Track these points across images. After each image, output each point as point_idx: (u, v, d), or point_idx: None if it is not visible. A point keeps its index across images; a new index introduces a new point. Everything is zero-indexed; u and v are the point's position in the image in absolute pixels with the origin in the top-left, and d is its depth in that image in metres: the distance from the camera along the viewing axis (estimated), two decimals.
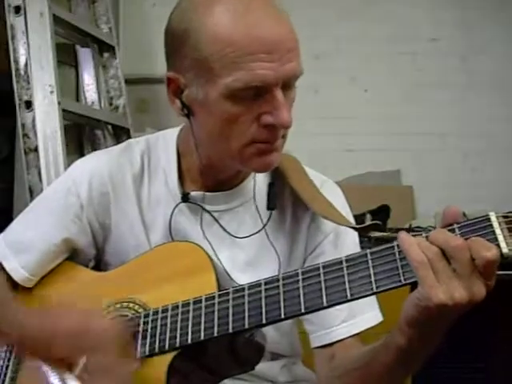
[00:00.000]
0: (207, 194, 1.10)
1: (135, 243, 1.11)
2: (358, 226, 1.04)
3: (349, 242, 1.13)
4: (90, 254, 1.15)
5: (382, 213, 2.57)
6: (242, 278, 1.05)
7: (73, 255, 1.15)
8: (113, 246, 1.13)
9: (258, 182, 1.13)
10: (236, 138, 0.98)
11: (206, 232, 1.10)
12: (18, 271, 1.11)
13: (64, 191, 1.13)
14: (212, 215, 1.11)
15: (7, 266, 1.11)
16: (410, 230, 2.63)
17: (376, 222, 0.99)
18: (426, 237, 0.82)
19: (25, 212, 1.18)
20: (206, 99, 0.97)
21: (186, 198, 1.10)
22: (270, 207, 1.12)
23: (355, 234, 1.15)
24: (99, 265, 1.17)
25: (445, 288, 0.78)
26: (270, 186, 1.13)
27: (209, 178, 1.10)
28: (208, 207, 1.11)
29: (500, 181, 2.97)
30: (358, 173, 2.98)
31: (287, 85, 0.97)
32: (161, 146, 1.15)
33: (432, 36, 3.05)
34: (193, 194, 1.10)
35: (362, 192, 2.68)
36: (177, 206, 1.10)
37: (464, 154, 3.02)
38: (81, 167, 1.16)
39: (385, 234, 0.99)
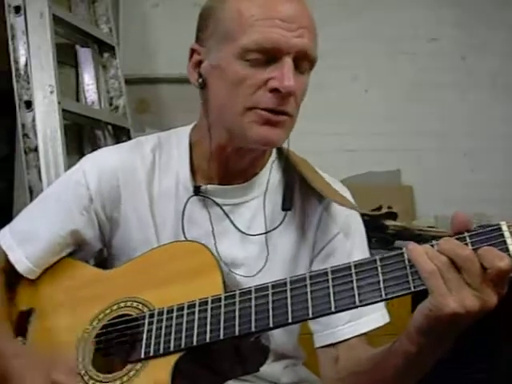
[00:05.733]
0: (219, 186, 1.11)
1: (143, 238, 1.11)
2: (372, 213, 1.04)
3: (358, 242, 1.15)
4: (95, 247, 1.16)
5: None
6: (251, 277, 1.06)
7: (78, 248, 1.15)
8: (120, 240, 1.13)
9: (271, 177, 1.14)
10: (240, 101, 1.01)
11: (216, 227, 1.11)
12: (22, 262, 1.10)
13: (74, 183, 1.13)
14: (223, 209, 1.11)
15: (12, 257, 1.11)
16: (410, 230, 2.63)
17: (391, 211, 1.00)
18: (432, 245, 0.81)
19: (33, 203, 1.18)
20: (220, 63, 1.02)
21: (197, 190, 1.10)
22: (284, 208, 1.12)
23: (364, 237, 1.16)
24: (106, 259, 1.17)
25: (456, 297, 0.78)
26: (286, 186, 1.13)
27: (220, 168, 1.11)
28: (219, 201, 1.11)
29: (500, 181, 2.97)
30: (357, 173, 2.98)
31: (299, 64, 1.01)
32: (173, 142, 1.16)
33: (432, 36, 3.05)
34: (204, 187, 1.11)
35: (361, 192, 2.67)
36: (189, 199, 1.10)
37: (464, 154, 3.02)
38: (91, 160, 1.16)
39: (401, 224, 1.00)
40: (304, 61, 1.02)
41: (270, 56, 0.99)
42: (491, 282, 0.77)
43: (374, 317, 1.09)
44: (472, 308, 0.77)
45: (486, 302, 0.78)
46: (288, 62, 0.99)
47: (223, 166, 1.10)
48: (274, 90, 0.99)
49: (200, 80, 1.06)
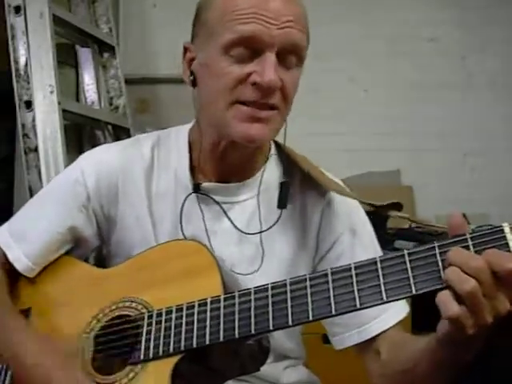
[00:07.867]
0: (217, 184, 1.11)
1: (141, 236, 1.10)
2: (376, 204, 1.03)
3: (366, 240, 1.14)
4: (93, 244, 1.15)
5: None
6: (248, 275, 1.06)
7: (76, 245, 1.14)
8: (119, 238, 1.13)
9: (269, 176, 1.14)
10: (223, 96, 1.01)
11: (215, 224, 1.11)
12: (21, 260, 1.10)
13: (72, 181, 1.13)
14: (221, 207, 1.11)
15: (10, 256, 1.11)
16: (409, 230, 2.63)
17: (395, 202, 0.98)
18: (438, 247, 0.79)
19: (31, 201, 1.18)
20: (207, 61, 1.03)
21: (197, 188, 1.10)
22: (280, 206, 1.11)
23: (370, 231, 1.15)
24: (104, 256, 1.17)
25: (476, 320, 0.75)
26: (282, 184, 1.12)
27: (217, 165, 1.11)
28: (218, 198, 1.11)
29: (499, 181, 2.97)
30: (358, 173, 2.98)
31: (285, 59, 1.00)
32: (172, 140, 1.16)
33: (431, 36, 3.05)
34: (204, 184, 1.10)
35: (361, 192, 2.67)
36: (188, 196, 1.10)
37: (464, 154, 3.02)
38: (89, 158, 1.16)
39: (404, 214, 0.99)
40: (290, 55, 1.01)
41: (253, 50, 0.99)
42: (502, 284, 0.74)
43: (398, 308, 1.07)
44: (490, 321, 0.75)
45: (501, 311, 0.75)
46: (270, 56, 0.98)
47: (220, 164, 1.10)
48: (255, 84, 0.99)
49: (191, 77, 1.07)
